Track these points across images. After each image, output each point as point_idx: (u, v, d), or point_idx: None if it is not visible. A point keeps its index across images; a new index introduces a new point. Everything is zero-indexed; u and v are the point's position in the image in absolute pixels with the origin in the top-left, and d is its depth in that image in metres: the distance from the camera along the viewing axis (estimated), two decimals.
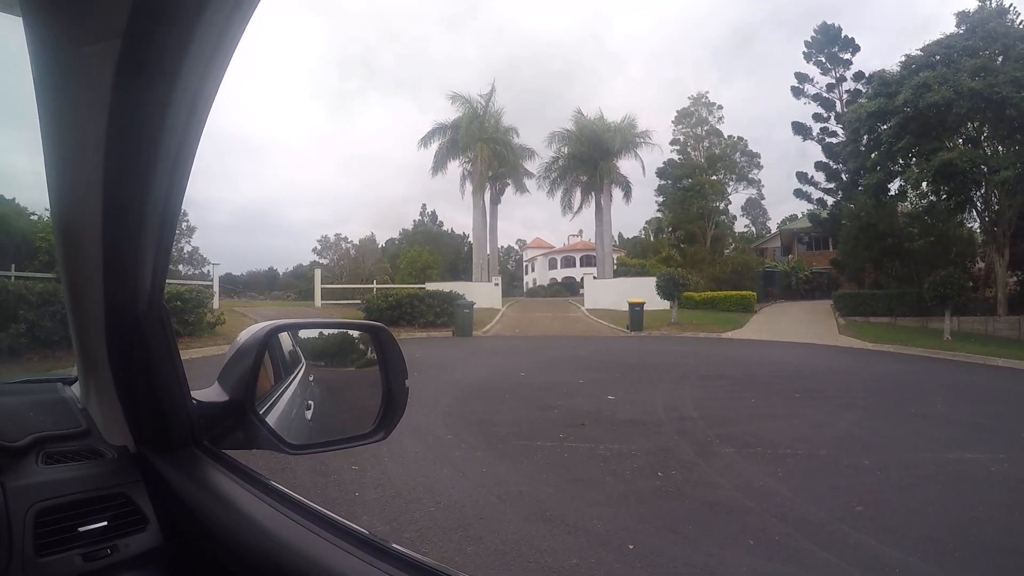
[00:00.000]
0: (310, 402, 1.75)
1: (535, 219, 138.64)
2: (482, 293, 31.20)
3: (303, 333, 1.83)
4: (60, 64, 0.77)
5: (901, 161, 26.02)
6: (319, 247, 64.21)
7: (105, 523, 0.99)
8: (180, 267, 61.75)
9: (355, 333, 1.71)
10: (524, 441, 7.14)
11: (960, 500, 5.49)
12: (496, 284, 34.98)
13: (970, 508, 5.28)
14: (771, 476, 5.97)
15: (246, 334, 1.27)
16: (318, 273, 31.90)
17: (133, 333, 1.06)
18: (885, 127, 24.91)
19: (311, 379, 1.87)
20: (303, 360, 1.87)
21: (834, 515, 4.98)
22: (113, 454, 1.10)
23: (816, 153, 41.03)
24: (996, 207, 25.00)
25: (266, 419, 1.43)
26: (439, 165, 39.10)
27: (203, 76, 0.80)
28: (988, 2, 25.26)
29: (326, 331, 1.85)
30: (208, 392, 1.21)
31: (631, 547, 4.29)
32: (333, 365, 1.81)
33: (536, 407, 9.16)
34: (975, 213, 26.83)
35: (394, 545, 0.91)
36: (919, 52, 24.96)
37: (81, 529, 0.96)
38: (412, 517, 4.75)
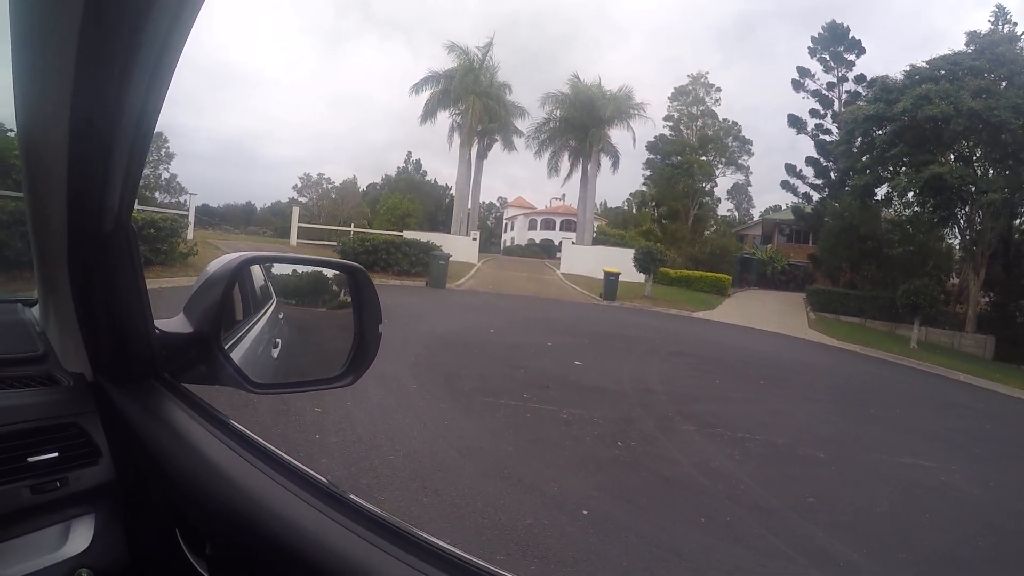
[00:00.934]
0: (278, 340, 1.68)
1: (519, 178, 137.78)
2: (459, 246, 30.99)
3: (276, 269, 1.78)
4: None
5: (891, 168, 26.18)
6: (300, 184, 63.59)
7: (56, 454, 0.94)
8: (156, 195, 60.97)
9: (330, 273, 1.66)
10: (488, 398, 7.12)
11: (909, 504, 5.63)
12: (474, 239, 34.72)
13: (918, 513, 5.44)
14: (729, 458, 6.04)
15: (216, 264, 1.19)
16: (296, 211, 31.40)
17: (97, 254, 0.98)
18: (880, 132, 24.99)
19: (280, 317, 1.79)
20: (274, 296, 1.78)
21: (786, 503, 5.07)
22: (69, 381, 1.05)
23: (807, 148, 41.05)
24: (978, 227, 25.32)
25: (231, 355, 1.37)
26: (429, 114, 38.39)
27: None
28: (1001, 27, 25.31)
29: (300, 268, 1.79)
30: (173, 323, 1.14)
31: (585, 512, 4.31)
32: (304, 304, 1.75)
33: (503, 365, 9.16)
34: (957, 230, 27.19)
35: (351, 496, 0.86)
36: (924, 64, 24.98)
37: (31, 460, 0.91)
38: (371, 464, 4.71)
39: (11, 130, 18.05)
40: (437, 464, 4.89)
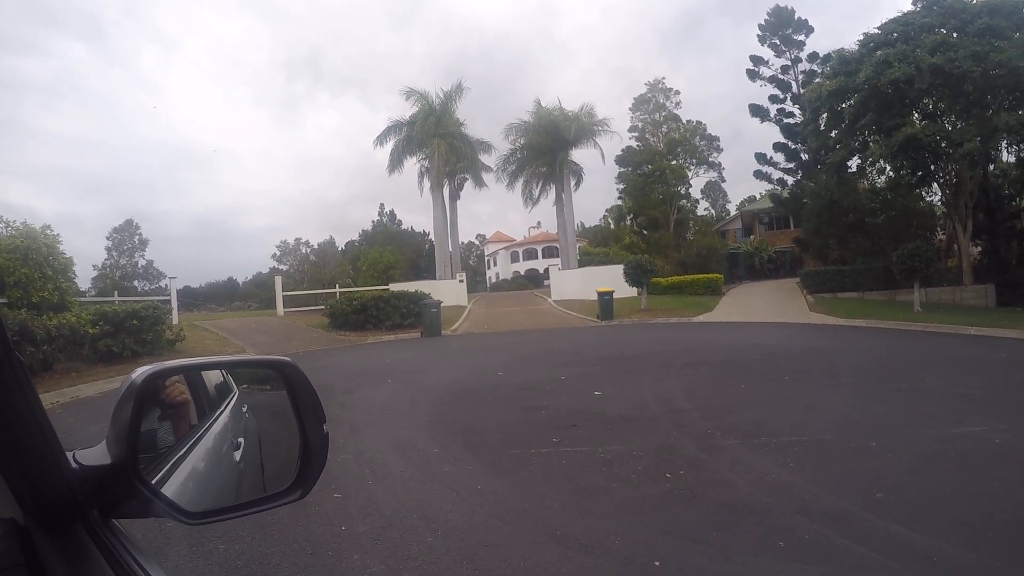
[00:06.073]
0: (239, 440, 1.56)
1: (494, 213, 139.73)
2: (447, 291, 30.83)
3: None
4: None
5: (862, 138, 26.27)
6: (278, 253, 63.66)
7: None
8: (136, 283, 60.87)
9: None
10: (516, 449, 6.67)
11: (975, 477, 5.29)
12: (461, 281, 34.61)
13: (987, 484, 5.09)
14: (783, 467, 5.64)
15: (127, 380, 1.07)
16: (278, 280, 31.14)
17: None
18: (846, 105, 25.09)
19: (244, 409, 1.67)
20: (234, 389, 1.66)
21: (857, 504, 4.69)
22: None
23: (774, 134, 41.24)
24: (955, 180, 25.38)
25: (185, 463, 1.28)
26: (395, 164, 38.35)
27: None
28: None
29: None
30: (94, 453, 1.04)
31: (657, 564, 3.87)
32: (275, 387, 1.54)
33: (521, 409, 8.72)
34: (935, 186, 27.27)
35: None
36: (876, 30, 25.21)
37: None
38: (410, 551, 4.18)
39: None
40: (481, 538, 4.40)
